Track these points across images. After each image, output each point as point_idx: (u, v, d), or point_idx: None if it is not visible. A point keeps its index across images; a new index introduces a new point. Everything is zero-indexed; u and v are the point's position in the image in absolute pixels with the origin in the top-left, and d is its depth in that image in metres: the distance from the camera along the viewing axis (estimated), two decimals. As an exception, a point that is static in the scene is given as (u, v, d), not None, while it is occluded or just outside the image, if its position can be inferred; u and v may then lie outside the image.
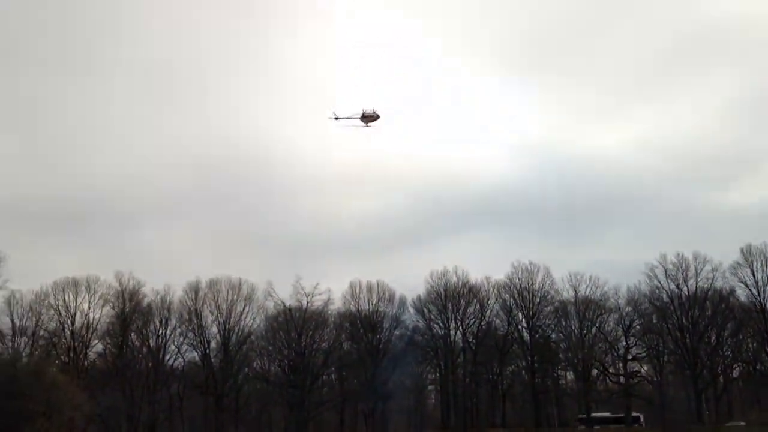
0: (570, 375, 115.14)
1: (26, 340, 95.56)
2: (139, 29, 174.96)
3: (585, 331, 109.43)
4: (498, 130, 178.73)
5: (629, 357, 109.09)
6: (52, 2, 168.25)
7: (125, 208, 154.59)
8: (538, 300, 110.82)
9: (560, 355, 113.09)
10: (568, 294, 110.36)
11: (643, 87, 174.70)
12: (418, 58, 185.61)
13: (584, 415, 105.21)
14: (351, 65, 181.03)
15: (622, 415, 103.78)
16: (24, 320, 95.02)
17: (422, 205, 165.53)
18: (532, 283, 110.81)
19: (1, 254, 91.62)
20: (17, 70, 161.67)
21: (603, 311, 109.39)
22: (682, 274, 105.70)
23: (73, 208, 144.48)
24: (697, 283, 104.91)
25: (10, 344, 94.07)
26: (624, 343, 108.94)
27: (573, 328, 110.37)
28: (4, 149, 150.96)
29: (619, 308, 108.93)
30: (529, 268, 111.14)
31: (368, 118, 49.10)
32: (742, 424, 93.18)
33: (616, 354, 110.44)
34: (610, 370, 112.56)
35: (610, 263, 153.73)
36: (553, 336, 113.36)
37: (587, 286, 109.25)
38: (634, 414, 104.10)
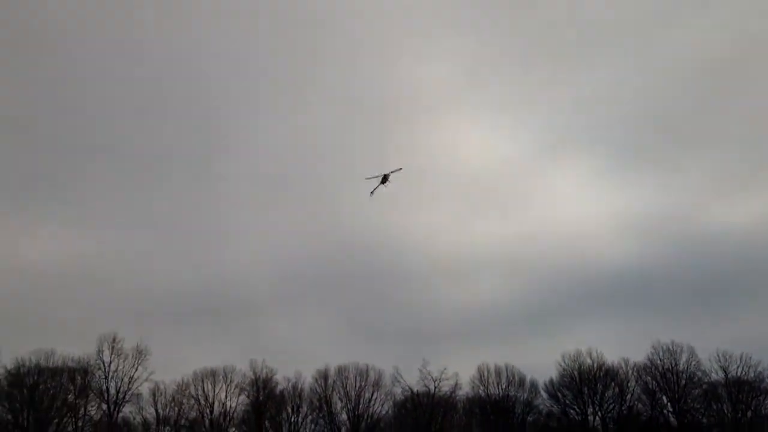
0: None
1: (169, 429, 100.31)
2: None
3: (740, 415, 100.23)
4: (615, 209, 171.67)
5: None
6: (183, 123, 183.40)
7: (257, 299, 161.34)
8: (683, 382, 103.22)
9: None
10: (717, 375, 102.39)
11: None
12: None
13: None
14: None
15: None
16: (167, 410, 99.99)
17: (546, 289, 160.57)
18: (676, 364, 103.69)
19: (146, 348, 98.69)
20: (155, 180, 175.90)
21: (758, 393, 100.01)
22: None
23: (208, 301, 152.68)
24: None
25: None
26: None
27: (726, 411, 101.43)
28: (141, 245, 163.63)
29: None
30: (671, 348, 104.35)
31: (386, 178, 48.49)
32: None
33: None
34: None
35: (760, 340, 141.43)
36: (704, 420, 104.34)
37: (738, 366, 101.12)
38: None
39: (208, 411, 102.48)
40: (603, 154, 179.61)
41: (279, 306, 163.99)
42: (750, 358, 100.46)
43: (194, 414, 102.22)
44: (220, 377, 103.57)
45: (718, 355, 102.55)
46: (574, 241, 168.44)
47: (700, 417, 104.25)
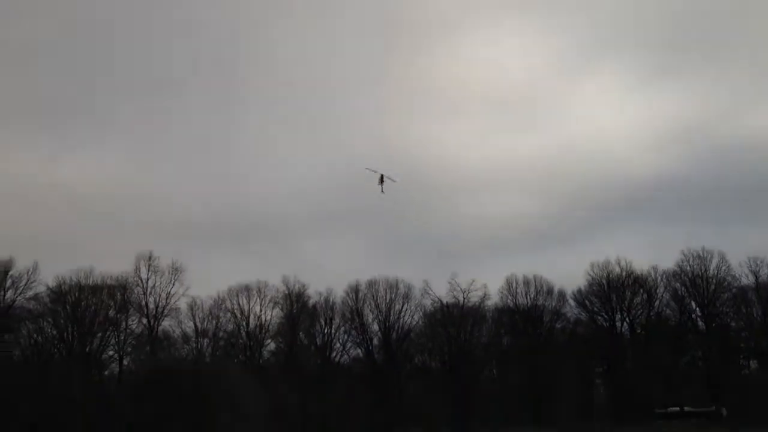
0: (754, 364, 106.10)
1: (208, 341, 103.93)
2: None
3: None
4: (642, 120, 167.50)
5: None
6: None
7: (288, 222, 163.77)
8: (713, 287, 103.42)
9: (741, 344, 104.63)
10: (747, 280, 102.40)
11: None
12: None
13: (663, 410, 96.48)
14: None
15: (705, 409, 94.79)
16: (205, 323, 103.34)
17: (578, 201, 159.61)
18: (706, 270, 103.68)
19: (182, 265, 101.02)
20: (191, 107, 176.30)
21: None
22: None
23: (240, 223, 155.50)
24: None
25: (194, 345, 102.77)
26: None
27: (755, 314, 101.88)
28: (176, 169, 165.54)
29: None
30: (701, 254, 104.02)
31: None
32: None
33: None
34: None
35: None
36: (733, 324, 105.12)
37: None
38: (716, 407, 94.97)
39: (244, 324, 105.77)
40: (642, 61, 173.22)
41: (309, 227, 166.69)
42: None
43: (231, 327, 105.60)
44: (254, 292, 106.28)
45: (748, 260, 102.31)
46: (609, 152, 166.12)
47: (728, 321, 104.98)
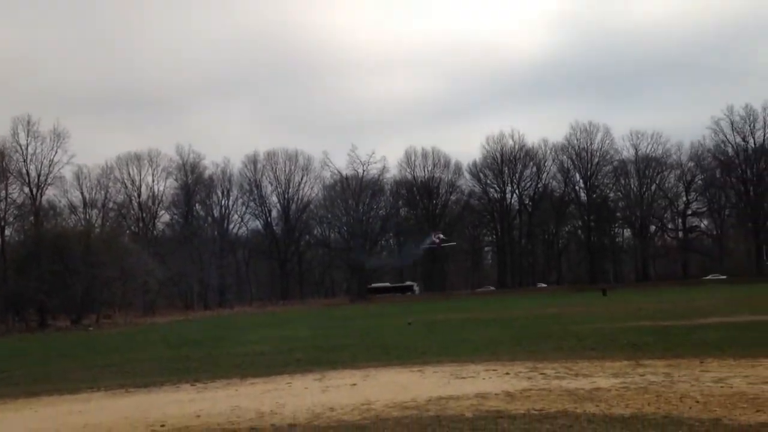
0: (627, 232, 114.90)
1: (97, 212, 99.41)
2: None
3: (644, 189, 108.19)
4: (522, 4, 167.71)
5: (689, 212, 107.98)
6: None
7: (182, 91, 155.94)
8: (596, 160, 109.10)
9: (618, 214, 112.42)
10: (628, 153, 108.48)
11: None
12: None
13: (372, 285, 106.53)
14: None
15: (401, 284, 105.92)
16: (93, 193, 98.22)
17: (470, 83, 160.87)
18: (591, 143, 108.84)
19: (64, 131, 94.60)
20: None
21: (664, 168, 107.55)
22: (750, 126, 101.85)
23: (131, 92, 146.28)
24: (765, 135, 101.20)
25: (82, 216, 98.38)
26: (684, 198, 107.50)
27: (632, 186, 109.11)
28: (62, 38, 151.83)
29: (681, 165, 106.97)
30: (588, 128, 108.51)
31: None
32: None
33: (675, 210, 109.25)
34: (669, 226, 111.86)
35: (673, 124, 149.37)
36: (612, 195, 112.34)
37: (648, 144, 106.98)
38: (408, 283, 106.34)
39: (135, 194, 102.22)
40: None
41: (203, 97, 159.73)
42: (660, 135, 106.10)
43: (122, 197, 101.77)
44: (146, 161, 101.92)
45: (630, 134, 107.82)
46: (494, 36, 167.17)
47: (608, 192, 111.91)
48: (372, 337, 30.81)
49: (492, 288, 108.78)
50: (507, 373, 15.06)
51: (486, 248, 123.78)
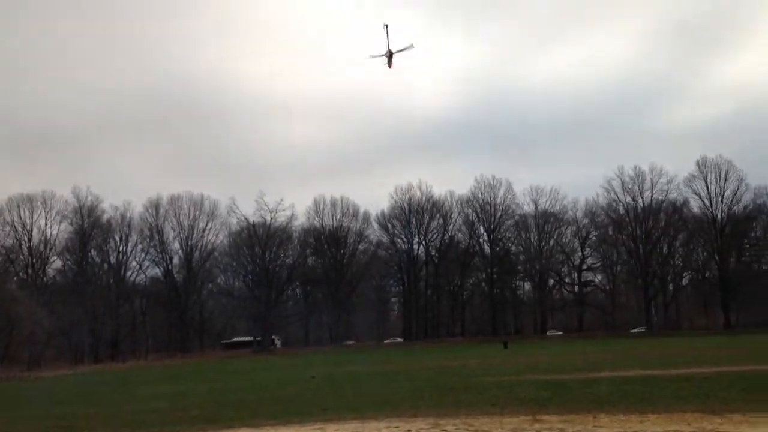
0: (527, 285, 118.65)
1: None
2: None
3: (543, 243, 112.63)
4: (430, 64, 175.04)
5: (584, 267, 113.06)
6: None
7: (83, 131, 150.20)
8: (499, 214, 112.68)
9: (519, 267, 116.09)
10: (528, 208, 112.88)
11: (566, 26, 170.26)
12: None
13: (227, 341, 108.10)
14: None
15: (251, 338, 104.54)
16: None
17: (374, 134, 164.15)
18: (494, 197, 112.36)
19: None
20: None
21: (561, 223, 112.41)
22: (638, 186, 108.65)
23: (24, 131, 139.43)
24: (652, 195, 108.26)
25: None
26: (580, 253, 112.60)
27: (532, 240, 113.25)
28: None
29: (577, 221, 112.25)
30: (491, 182, 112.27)
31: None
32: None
33: (572, 265, 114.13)
34: (566, 280, 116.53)
35: (570, 181, 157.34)
36: (513, 248, 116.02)
37: (547, 200, 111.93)
38: (273, 337, 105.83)
39: (26, 238, 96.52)
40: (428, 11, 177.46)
41: (105, 137, 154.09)
42: (557, 192, 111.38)
43: (10, 241, 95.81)
44: (39, 203, 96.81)
45: (531, 189, 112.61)
46: (405, 90, 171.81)
47: (510, 245, 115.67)
48: (273, 391, 29.99)
49: (400, 339, 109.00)
50: (409, 431, 14.96)
51: (393, 299, 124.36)
